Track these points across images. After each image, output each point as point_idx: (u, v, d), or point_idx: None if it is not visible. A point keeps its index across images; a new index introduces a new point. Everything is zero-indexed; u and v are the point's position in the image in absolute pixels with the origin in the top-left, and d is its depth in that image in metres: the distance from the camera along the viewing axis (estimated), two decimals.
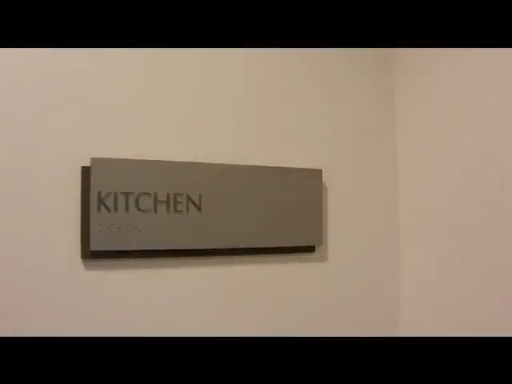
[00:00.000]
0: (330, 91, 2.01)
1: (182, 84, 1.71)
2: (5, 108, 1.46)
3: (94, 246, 1.53)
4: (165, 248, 1.63)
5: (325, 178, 1.95)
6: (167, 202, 1.61)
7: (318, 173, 1.91)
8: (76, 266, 1.52)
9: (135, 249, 1.59)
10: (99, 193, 1.53)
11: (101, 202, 1.52)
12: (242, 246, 1.75)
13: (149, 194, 1.57)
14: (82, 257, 1.52)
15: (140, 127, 1.65)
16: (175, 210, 1.62)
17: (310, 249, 1.93)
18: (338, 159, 2.01)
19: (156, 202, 1.59)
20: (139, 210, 1.56)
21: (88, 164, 1.53)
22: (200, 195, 1.67)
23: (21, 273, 1.46)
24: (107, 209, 1.53)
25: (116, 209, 1.55)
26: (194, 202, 1.64)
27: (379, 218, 2.11)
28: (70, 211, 1.53)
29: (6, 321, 1.44)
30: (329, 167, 1.96)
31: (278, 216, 1.80)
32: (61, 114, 1.54)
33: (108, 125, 1.60)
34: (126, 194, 1.56)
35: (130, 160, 1.57)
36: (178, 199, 1.63)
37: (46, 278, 1.49)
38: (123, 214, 1.55)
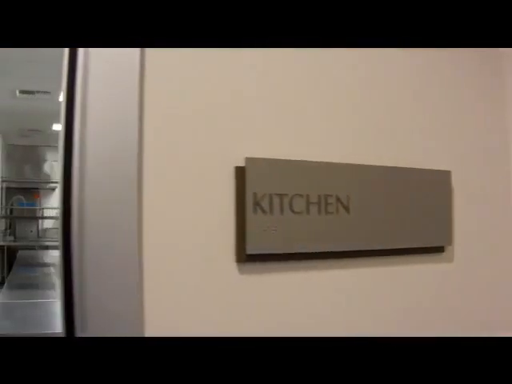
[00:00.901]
0: (451, 91, 2.01)
1: (335, 85, 1.70)
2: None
3: (251, 249, 1.48)
4: (319, 250, 1.60)
5: (453, 178, 1.95)
6: (319, 204, 1.57)
7: (447, 174, 1.93)
8: (231, 271, 1.48)
9: (290, 251, 1.54)
10: (255, 194, 1.48)
11: (257, 203, 1.47)
12: (385, 247, 1.74)
13: (301, 196, 1.55)
14: (236, 261, 1.48)
15: (290, 127, 1.61)
16: (326, 212, 1.58)
17: (439, 249, 1.92)
18: (464, 160, 2.02)
19: (308, 203, 1.55)
20: (293, 211, 1.53)
21: (241, 164, 1.49)
22: (348, 196, 1.63)
23: (173, 277, 1.41)
24: (263, 211, 1.48)
25: (271, 211, 1.50)
26: (342, 203, 1.61)
27: (505, 218, 2.11)
28: (223, 213, 1.48)
29: (161, 323, 1.39)
30: (457, 168, 1.97)
31: (412, 216, 1.81)
32: (213, 112, 1.49)
33: (260, 124, 1.56)
34: (281, 196, 1.52)
35: (283, 160, 1.54)
36: (329, 200, 1.59)
37: (199, 282, 1.44)
38: (278, 216, 1.51)
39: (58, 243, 1.29)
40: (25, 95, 7.66)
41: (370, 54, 1.73)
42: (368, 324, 1.70)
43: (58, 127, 9.23)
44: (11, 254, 11.65)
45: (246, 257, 1.49)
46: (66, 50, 1.29)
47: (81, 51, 1.28)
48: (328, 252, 1.64)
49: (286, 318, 1.55)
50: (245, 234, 1.48)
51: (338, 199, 1.62)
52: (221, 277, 1.45)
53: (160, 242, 1.34)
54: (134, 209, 1.25)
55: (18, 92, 7.53)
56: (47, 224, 13.54)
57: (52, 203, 13.47)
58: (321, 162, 1.62)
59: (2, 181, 11.75)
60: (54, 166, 12.92)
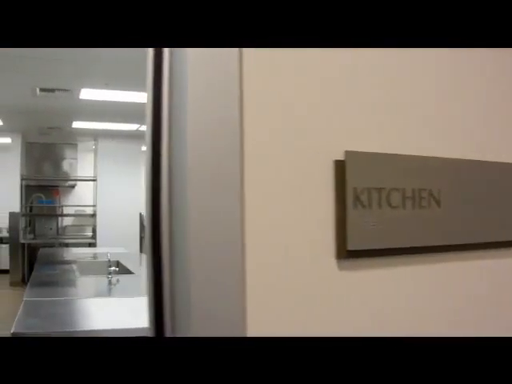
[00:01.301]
0: None
1: (427, 80, 1.66)
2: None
3: (352, 245, 1.40)
4: (415, 245, 1.56)
5: None
6: (413, 198, 1.55)
7: None
8: (331, 267, 1.45)
9: (389, 246, 1.51)
10: (355, 188, 1.44)
11: (357, 198, 1.44)
12: (474, 241, 1.69)
13: (398, 190, 1.51)
14: (336, 257, 1.46)
15: (385, 120, 1.56)
16: (420, 206, 1.56)
17: None
18: None
19: (404, 197, 1.53)
20: (390, 206, 1.50)
21: (340, 157, 1.47)
22: (439, 190, 1.61)
23: (274, 275, 1.38)
24: (363, 205, 1.44)
25: (370, 205, 1.47)
26: (434, 197, 1.59)
27: None
28: (323, 208, 1.44)
29: (262, 322, 1.36)
30: None
31: (501, 210, 1.77)
32: (311, 106, 1.47)
33: (358, 117, 1.52)
34: (379, 190, 1.46)
35: (380, 154, 1.50)
36: (422, 194, 1.57)
37: (299, 280, 1.41)
38: (377, 210, 1.46)
39: (146, 242, 1.27)
40: (45, 93, 7.68)
41: (455, 51, 1.71)
42: (469, 320, 1.68)
43: (78, 124, 9.28)
44: (31, 251, 11.75)
45: (347, 253, 1.44)
46: (151, 50, 1.27)
47: (166, 51, 1.26)
48: (422, 247, 1.59)
49: (387, 314, 1.52)
50: (345, 230, 1.40)
51: (431, 193, 1.56)
52: (321, 274, 1.39)
53: (260, 240, 1.30)
54: (237, 209, 1.23)
55: (38, 90, 7.55)
56: (66, 221, 13.63)
57: (71, 201, 13.56)
58: (415, 156, 1.55)
59: (22, 179, 11.83)
60: (72, 164, 13.00)
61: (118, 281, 4.81)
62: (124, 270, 5.52)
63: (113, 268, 5.02)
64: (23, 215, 12.07)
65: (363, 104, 1.49)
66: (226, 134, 1.21)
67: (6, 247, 12.33)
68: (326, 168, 1.38)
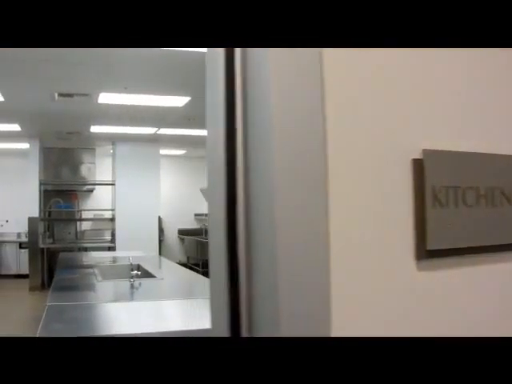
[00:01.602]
0: None
1: (503, 79, 1.63)
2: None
3: (431, 245, 1.37)
4: (489, 244, 1.55)
5: None
6: (486, 196, 1.54)
7: None
8: (410, 268, 1.43)
9: (467, 245, 1.50)
10: (433, 187, 1.43)
11: (435, 197, 1.43)
12: None
13: (472, 188, 1.50)
14: (416, 257, 1.44)
15: (461, 118, 1.56)
16: (492, 204, 1.55)
17: None
18: None
19: (478, 195, 1.52)
20: (466, 204, 1.49)
21: (418, 156, 1.45)
22: (510, 189, 1.61)
23: (355, 276, 1.36)
24: (441, 204, 1.43)
25: (447, 204, 1.46)
26: (505, 196, 1.58)
27: None
28: (401, 208, 1.42)
29: (346, 322, 1.34)
30: None
31: None
32: (389, 105, 1.45)
33: (434, 115, 1.51)
34: (455, 189, 1.46)
35: (456, 152, 1.49)
36: (495, 193, 1.56)
37: (380, 281, 1.39)
38: (454, 209, 1.43)
39: (217, 245, 1.25)
40: (63, 98, 7.68)
41: None
42: None
43: (96, 129, 9.29)
44: (50, 256, 11.79)
45: (426, 253, 1.42)
46: (221, 51, 1.24)
47: (238, 51, 1.23)
48: (497, 245, 1.58)
49: (466, 313, 1.50)
50: (425, 229, 1.38)
51: (502, 192, 1.56)
52: (400, 274, 1.39)
53: (344, 240, 1.30)
54: (322, 209, 1.21)
55: (56, 95, 7.56)
56: (85, 226, 13.66)
57: (90, 205, 13.59)
58: (488, 154, 1.54)
59: (41, 184, 11.86)
60: (91, 168, 13.03)
61: (140, 284, 4.79)
62: (145, 274, 5.50)
63: (135, 272, 5.00)
64: (42, 220, 12.09)
65: (439, 103, 1.47)
66: (310, 136, 1.19)
67: (25, 252, 12.38)
68: (404, 167, 1.35)
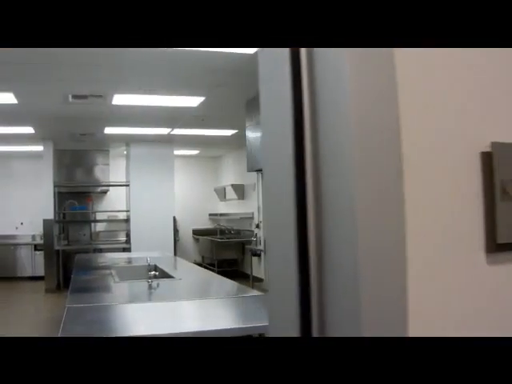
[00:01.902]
0: None
1: None
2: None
3: (502, 238, 1.41)
4: None
5: None
6: None
7: None
8: (480, 262, 1.43)
9: None
10: (502, 181, 1.43)
11: (503, 190, 1.43)
12: None
13: None
14: (486, 251, 1.43)
15: None
16: None
17: None
18: None
19: None
20: None
21: (487, 149, 1.45)
22: None
23: (427, 271, 1.34)
24: (510, 197, 1.45)
25: None
26: None
27: None
28: (470, 201, 1.41)
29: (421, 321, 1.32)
30: None
31: None
32: (458, 98, 1.44)
33: (503, 108, 1.50)
34: None
35: None
36: None
37: (451, 276, 1.38)
38: None
39: (292, 238, 1.24)
40: (77, 100, 7.68)
41: None
42: None
43: (110, 130, 9.29)
44: (65, 258, 11.82)
45: (497, 246, 1.41)
46: (286, 51, 1.23)
47: (303, 51, 1.22)
48: None
49: None
50: (495, 223, 1.39)
51: None
52: (471, 268, 1.38)
53: (418, 239, 1.28)
54: (399, 205, 1.20)
55: (70, 97, 7.56)
56: (99, 227, 13.69)
57: (104, 206, 13.62)
58: None
59: (55, 186, 11.89)
60: (104, 170, 13.05)
61: (158, 285, 4.78)
62: (163, 274, 5.49)
63: (153, 272, 4.99)
64: (57, 222, 12.12)
65: (508, 95, 1.46)
66: (386, 136, 1.18)
67: (40, 254, 12.42)
68: (473, 160, 1.34)
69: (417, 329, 1.18)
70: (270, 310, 1.25)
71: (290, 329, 1.14)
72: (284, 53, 1.20)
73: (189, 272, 6.32)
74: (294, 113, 1.18)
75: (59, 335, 2.81)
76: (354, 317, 1.08)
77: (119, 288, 4.83)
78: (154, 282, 4.74)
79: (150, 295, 4.45)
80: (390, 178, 1.19)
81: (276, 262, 1.25)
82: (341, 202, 1.15)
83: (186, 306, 3.88)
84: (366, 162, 1.15)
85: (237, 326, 3.23)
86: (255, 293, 4.34)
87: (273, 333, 1.24)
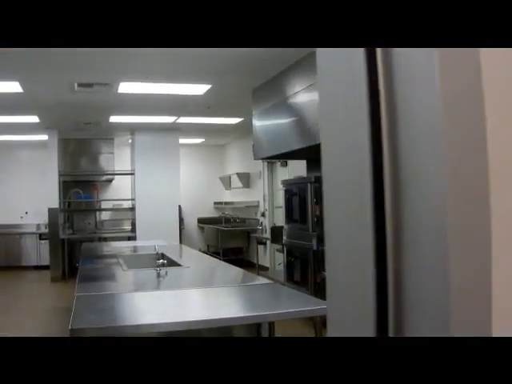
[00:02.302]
0: None
1: None
2: None
3: None
4: None
5: None
6: None
7: None
8: None
9: None
10: None
11: None
12: None
13: None
14: None
15: None
16: None
17: None
18: None
19: None
20: None
21: None
22: None
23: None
24: None
25: None
26: None
27: None
28: None
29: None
30: None
31: None
32: None
33: None
34: None
35: None
36: None
37: None
38: None
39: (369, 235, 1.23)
40: (83, 88, 7.67)
41: None
42: None
43: (115, 119, 9.26)
44: (70, 246, 11.83)
45: None
46: (361, 51, 1.22)
47: (379, 51, 1.21)
48: None
49: None
50: None
51: None
52: None
53: (503, 240, 1.27)
54: (487, 212, 1.19)
55: (76, 85, 7.55)
56: (104, 216, 13.71)
57: (109, 195, 13.62)
58: None
59: (60, 175, 11.89)
60: (109, 158, 13.04)
61: (166, 273, 4.78)
62: (170, 263, 5.49)
63: (161, 261, 4.99)
64: (62, 211, 12.13)
65: None
66: (474, 137, 1.17)
67: (45, 243, 12.44)
68: None
69: (501, 329, 1.17)
70: (335, 309, 1.24)
71: (364, 328, 1.14)
72: (358, 52, 1.20)
73: (196, 260, 6.33)
74: (370, 109, 1.17)
75: (70, 325, 2.80)
76: (441, 318, 1.07)
77: (128, 276, 4.84)
78: (163, 270, 4.74)
79: (159, 283, 4.45)
80: (478, 189, 1.18)
81: (344, 257, 1.24)
82: (426, 209, 1.13)
83: (196, 294, 3.88)
84: (456, 166, 1.14)
85: (250, 314, 3.22)
86: (265, 281, 4.34)
87: (336, 332, 1.23)
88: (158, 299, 3.70)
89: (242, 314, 3.28)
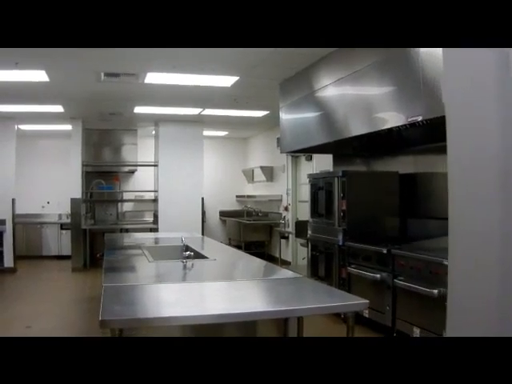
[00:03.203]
0: None
1: None
2: None
3: None
4: None
5: None
6: None
7: None
8: None
9: None
10: None
11: None
12: None
13: None
14: None
15: None
16: None
17: None
18: None
19: None
20: None
21: None
22: None
23: None
24: None
25: None
26: None
27: None
28: None
29: None
30: None
31: None
32: None
33: None
34: None
35: None
36: None
37: None
38: None
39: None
40: (109, 78, 7.67)
41: None
42: None
43: (140, 110, 9.25)
44: (92, 237, 11.87)
45: None
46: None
47: None
48: None
49: None
50: None
51: None
52: None
53: None
54: None
55: (102, 75, 7.55)
56: (126, 207, 13.73)
57: (132, 186, 13.65)
58: None
59: (83, 165, 11.92)
60: (132, 149, 13.06)
61: (192, 265, 4.76)
62: (196, 255, 5.47)
63: (188, 252, 4.97)
64: (84, 201, 12.17)
65: None
66: None
67: (66, 233, 12.51)
68: None
69: None
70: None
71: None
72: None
73: (222, 252, 6.30)
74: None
75: (100, 316, 2.78)
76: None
77: (153, 268, 4.82)
78: (189, 262, 4.72)
79: (185, 275, 4.43)
80: None
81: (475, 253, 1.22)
82: None
83: (223, 287, 3.85)
84: None
85: (283, 308, 3.19)
86: (293, 274, 4.31)
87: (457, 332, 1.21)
88: (184, 291, 3.67)
89: (270, 309, 3.24)
